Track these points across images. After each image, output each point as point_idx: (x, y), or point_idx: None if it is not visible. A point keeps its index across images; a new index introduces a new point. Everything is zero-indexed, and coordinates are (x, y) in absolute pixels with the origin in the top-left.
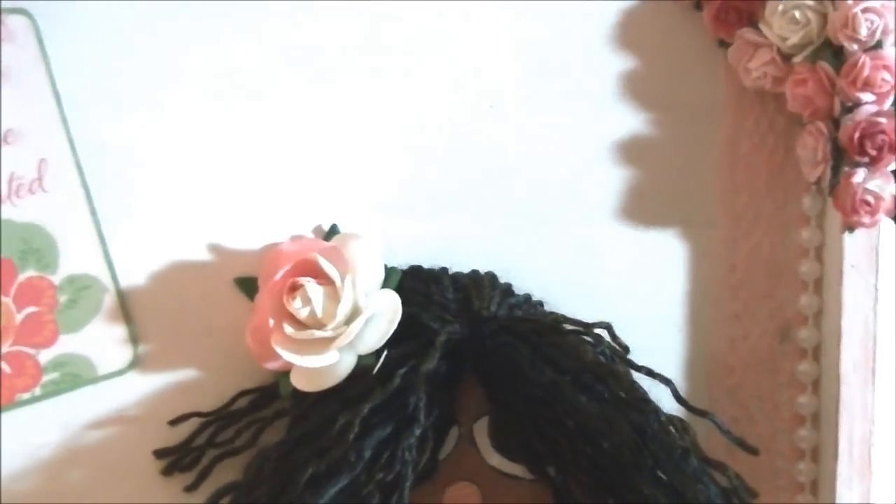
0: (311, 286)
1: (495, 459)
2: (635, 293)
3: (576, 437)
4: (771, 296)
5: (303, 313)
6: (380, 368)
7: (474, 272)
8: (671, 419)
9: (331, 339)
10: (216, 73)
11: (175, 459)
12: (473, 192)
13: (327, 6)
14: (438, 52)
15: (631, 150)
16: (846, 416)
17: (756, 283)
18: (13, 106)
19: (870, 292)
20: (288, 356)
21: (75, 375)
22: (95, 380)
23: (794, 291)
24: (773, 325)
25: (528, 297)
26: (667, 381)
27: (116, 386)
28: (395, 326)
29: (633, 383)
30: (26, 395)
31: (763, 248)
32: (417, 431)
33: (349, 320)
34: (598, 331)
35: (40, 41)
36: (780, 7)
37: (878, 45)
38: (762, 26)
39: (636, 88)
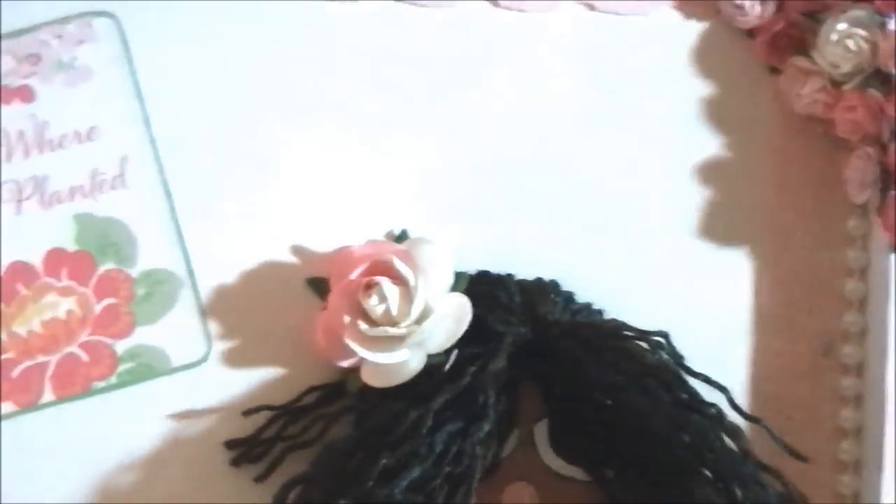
0: (386, 284)
1: (553, 461)
2: (687, 304)
3: (636, 439)
4: (815, 313)
5: (378, 311)
6: (450, 367)
7: (539, 279)
8: (730, 424)
9: (403, 337)
10: (295, 78)
11: (245, 451)
12: (540, 203)
13: (397, 17)
14: (510, 64)
15: (688, 168)
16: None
17: (801, 300)
18: (96, 104)
19: None
20: (361, 352)
21: (150, 366)
22: (169, 371)
23: (838, 309)
24: (816, 340)
25: (588, 305)
26: (722, 389)
27: (189, 378)
28: (464, 327)
29: (693, 388)
30: (102, 384)
31: (809, 266)
32: (486, 427)
33: (421, 320)
34: (655, 338)
35: (124, 42)
36: (834, 37)
37: None
38: (814, 54)
39: (691, 109)
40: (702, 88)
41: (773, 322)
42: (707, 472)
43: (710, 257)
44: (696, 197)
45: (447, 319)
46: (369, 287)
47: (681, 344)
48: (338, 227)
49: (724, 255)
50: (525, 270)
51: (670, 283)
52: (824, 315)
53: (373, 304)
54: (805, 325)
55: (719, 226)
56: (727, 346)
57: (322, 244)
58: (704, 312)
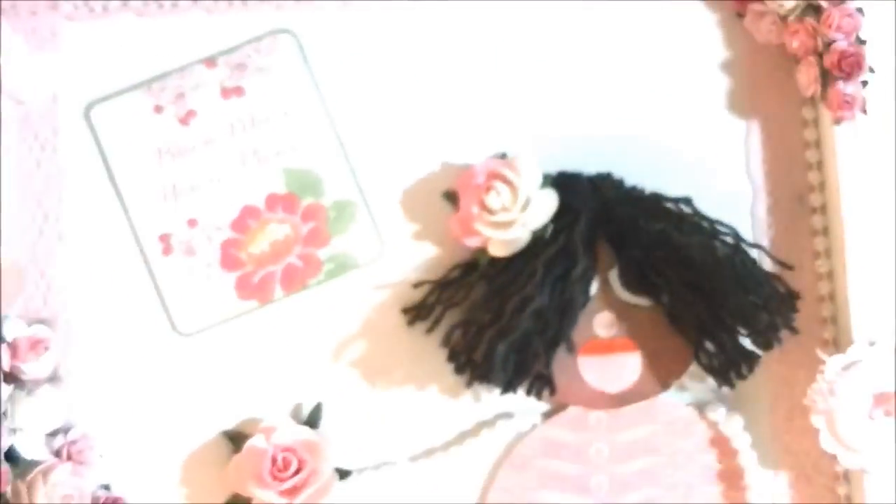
0: (500, 185)
1: (625, 294)
2: (701, 177)
3: (681, 268)
4: (790, 174)
5: (496, 204)
6: (548, 236)
7: (599, 173)
8: (742, 248)
9: (514, 220)
10: (432, 64)
11: (417, 313)
12: (592, 125)
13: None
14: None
15: (692, 83)
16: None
17: (779, 167)
18: (286, 94)
19: None
20: (488, 232)
21: (344, 265)
22: (357, 266)
23: (804, 170)
24: (792, 193)
25: (634, 186)
26: (730, 227)
27: (371, 270)
28: (553, 209)
29: (714, 223)
30: (313, 280)
31: (782, 143)
32: (580, 270)
33: (524, 207)
34: (682, 201)
35: (301, 49)
36: None
37: (843, 1)
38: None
39: (693, 43)
40: (695, 31)
41: (763, 183)
42: (732, 282)
43: (714, 146)
44: (701, 105)
45: (542, 205)
46: (489, 189)
47: (699, 204)
48: (460, 155)
49: (724, 142)
50: (588, 169)
51: (688, 167)
52: (796, 175)
53: (493, 199)
54: (784, 183)
55: (720, 124)
56: (733, 204)
57: (451, 164)
58: (713, 183)
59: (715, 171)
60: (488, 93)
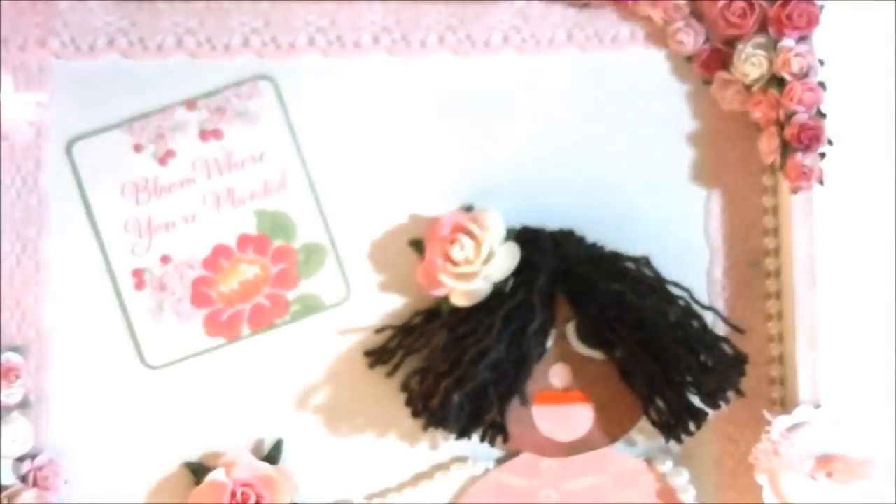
0: (464, 238)
1: (580, 348)
2: (660, 240)
3: (634, 326)
4: (747, 239)
5: (460, 256)
6: (509, 289)
7: (561, 229)
8: (693, 310)
9: (477, 273)
10: (398, 118)
11: (378, 357)
12: (557, 183)
13: (452, 70)
14: (529, 92)
15: (657, 148)
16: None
17: (737, 231)
18: (263, 138)
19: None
20: (451, 283)
21: (311, 307)
22: (324, 308)
23: (761, 235)
24: (748, 257)
25: (594, 244)
26: (686, 290)
27: (337, 313)
28: (515, 263)
29: (670, 284)
30: (279, 321)
31: (741, 209)
32: (536, 325)
33: (487, 260)
34: (641, 260)
35: (280, 95)
36: (744, 56)
37: (806, 75)
38: (732, 69)
39: (657, 110)
40: (662, 96)
41: (720, 246)
42: (682, 344)
43: (676, 208)
44: (665, 167)
45: (504, 258)
46: (453, 241)
47: (658, 265)
48: (428, 205)
49: (685, 204)
50: (552, 225)
51: (649, 227)
52: (752, 240)
53: (456, 252)
54: (741, 246)
55: (682, 186)
56: (690, 265)
57: (419, 214)
58: (673, 244)
59: (675, 232)
60: (458, 147)
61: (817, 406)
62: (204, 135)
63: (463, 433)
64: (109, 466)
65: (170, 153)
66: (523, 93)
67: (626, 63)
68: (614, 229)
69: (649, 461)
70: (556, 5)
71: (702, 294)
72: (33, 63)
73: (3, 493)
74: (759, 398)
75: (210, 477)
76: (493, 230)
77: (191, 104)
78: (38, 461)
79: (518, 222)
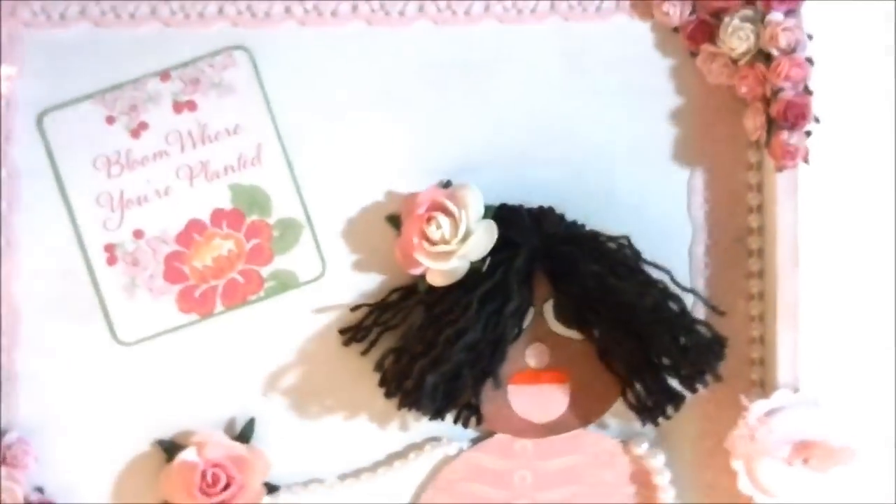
0: (441, 217)
1: (557, 327)
2: (643, 216)
3: (612, 307)
4: (731, 215)
5: (436, 235)
6: (486, 269)
7: (541, 207)
8: (674, 293)
9: (453, 252)
10: (378, 83)
11: (353, 335)
12: (538, 156)
13: (431, 36)
14: (510, 61)
15: (641, 122)
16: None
17: (722, 207)
18: (239, 110)
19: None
20: (427, 262)
21: (285, 283)
22: (299, 285)
23: (745, 212)
24: (732, 233)
25: (574, 221)
26: (667, 271)
27: (312, 289)
28: (493, 241)
29: (648, 272)
30: (254, 297)
31: (726, 184)
32: (513, 306)
33: (464, 239)
34: (621, 240)
35: (255, 65)
36: (731, 29)
37: (793, 50)
38: (719, 42)
39: (641, 82)
40: (647, 68)
41: (703, 223)
42: (661, 326)
43: (658, 184)
44: (649, 141)
45: (482, 237)
46: (430, 220)
47: (639, 243)
48: (405, 180)
49: (668, 179)
50: (532, 200)
51: (630, 204)
52: (737, 216)
53: (433, 231)
54: (725, 224)
55: (666, 160)
56: (672, 242)
57: (396, 190)
58: (656, 220)
59: (657, 208)
60: (437, 121)
61: (796, 390)
62: (178, 106)
63: (437, 415)
64: (81, 444)
65: (143, 125)
66: (504, 64)
67: (611, 34)
68: (596, 204)
69: (625, 442)
70: None
71: (683, 272)
72: (3, 33)
73: None
74: (739, 378)
75: (181, 456)
76: (471, 208)
77: (164, 75)
78: (7, 439)
79: (497, 197)
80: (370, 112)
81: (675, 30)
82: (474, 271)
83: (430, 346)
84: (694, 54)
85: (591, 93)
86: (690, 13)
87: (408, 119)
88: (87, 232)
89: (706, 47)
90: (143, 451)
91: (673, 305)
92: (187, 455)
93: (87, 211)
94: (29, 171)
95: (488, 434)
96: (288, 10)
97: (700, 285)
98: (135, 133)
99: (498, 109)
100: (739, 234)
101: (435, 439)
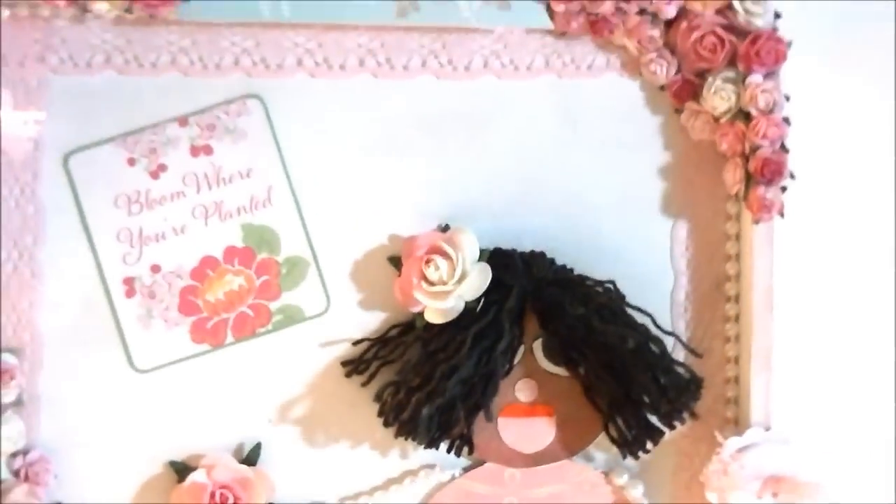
0: (439, 259)
1: (546, 364)
2: (629, 261)
3: (597, 347)
4: (711, 263)
5: (434, 276)
6: (480, 308)
7: (532, 251)
8: (655, 335)
9: (450, 291)
10: (380, 132)
11: (354, 367)
12: (532, 205)
13: (433, 90)
14: (509, 114)
15: (628, 174)
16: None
17: (701, 255)
18: (251, 154)
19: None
20: (425, 301)
21: (292, 317)
22: (304, 319)
23: (723, 260)
24: (711, 280)
25: (563, 266)
26: (648, 314)
27: (317, 323)
28: (487, 283)
29: (631, 315)
30: (262, 330)
31: (705, 234)
32: (504, 344)
33: (460, 280)
34: (606, 284)
35: (267, 113)
36: (713, 89)
37: (771, 111)
38: (702, 100)
39: (630, 137)
40: (635, 123)
41: (684, 270)
42: (642, 366)
43: (643, 232)
44: (635, 192)
45: (477, 279)
46: (429, 261)
47: (623, 287)
48: (406, 223)
49: (652, 228)
50: (524, 245)
51: (617, 250)
52: (716, 264)
53: (431, 271)
54: (704, 271)
55: (650, 210)
56: (655, 288)
57: (397, 232)
58: (641, 267)
59: (642, 255)
60: (436, 169)
61: (767, 428)
62: (194, 150)
63: (431, 444)
64: (98, 463)
65: (162, 167)
66: (501, 117)
67: (601, 90)
68: (585, 251)
69: (607, 473)
70: (535, 33)
71: (665, 315)
72: (32, 78)
73: None
74: (715, 416)
75: (191, 477)
76: (467, 251)
77: (182, 120)
78: (30, 457)
79: (491, 241)
80: (374, 158)
81: (662, 88)
82: (469, 310)
83: (426, 380)
84: (679, 111)
85: (581, 145)
86: (676, 72)
87: (409, 166)
88: (108, 265)
89: (690, 105)
90: (156, 471)
91: (654, 347)
92: (197, 476)
93: (108, 246)
94: (54, 208)
95: (479, 462)
96: (300, 62)
97: (681, 328)
98: (154, 174)
99: (494, 159)
100: (718, 281)
101: (429, 466)
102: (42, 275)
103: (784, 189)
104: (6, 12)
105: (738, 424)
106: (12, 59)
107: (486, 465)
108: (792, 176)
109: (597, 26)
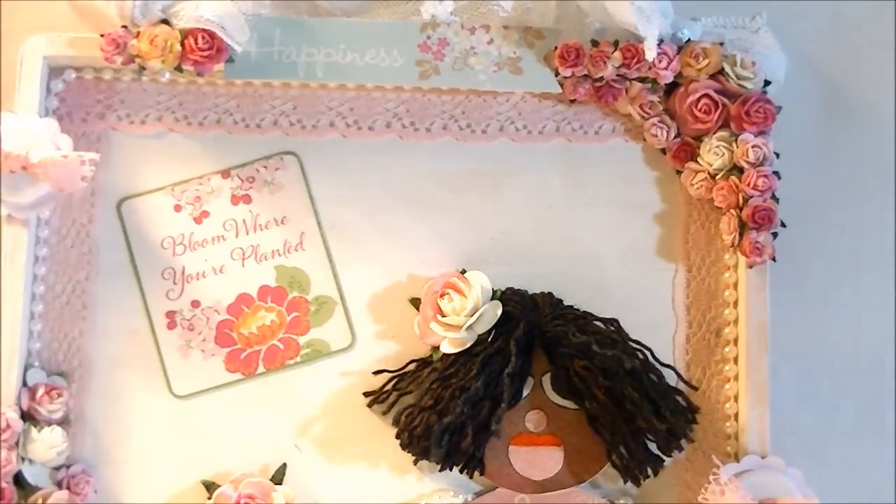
0: (453, 293)
1: (554, 397)
2: (633, 307)
3: (599, 375)
4: (710, 310)
5: (447, 308)
6: (491, 339)
7: (541, 292)
8: (652, 364)
9: (463, 325)
10: (403, 185)
11: (375, 397)
12: (539, 254)
13: (452, 151)
14: (520, 173)
15: (631, 229)
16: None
17: (701, 302)
18: (286, 204)
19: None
20: (440, 331)
21: (319, 351)
22: (330, 353)
23: (723, 307)
24: (711, 326)
25: (570, 306)
26: (648, 348)
27: (343, 357)
28: (497, 318)
29: (632, 340)
30: (291, 362)
31: (705, 283)
32: (510, 369)
33: (472, 314)
34: (610, 323)
35: (302, 168)
36: (709, 149)
37: (762, 164)
38: (699, 160)
39: (633, 196)
40: (638, 182)
41: (685, 316)
42: (641, 391)
43: (647, 280)
44: (639, 244)
45: (488, 314)
46: (443, 295)
47: (629, 329)
48: (426, 268)
49: (655, 277)
50: (532, 288)
51: (622, 297)
52: (715, 311)
53: (444, 303)
54: (704, 317)
55: (653, 261)
56: (658, 332)
57: (421, 274)
58: (644, 312)
59: (646, 302)
60: (455, 220)
61: (763, 456)
62: (235, 199)
63: (445, 463)
64: (135, 479)
65: (205, 214)
66: (515, 175)
67: (607, 153)
68: (590, 297)
69: (612, 501)
70: (547, 101)
71: (667, 357)
72: (93, 133)
73: (38, 493)
74: (717, 451)
75: (219, 491)
76: (479, 288)
77: (225, 173)
78: (73, 470)
79: (504, 286)
80: (398, 210)
81: (663, 150)
82: (480, 341)
83: (438, 401)
84: (678, 171)
85: (589, 202)
86: (675, 136)
87: (430, 217)
88: (152, 300)
89: (689, 165)
90: (188, 487)
91: (652, 376)
92: (225, 489)
93: (154, 283)
94: (107, 248)
95: (491, 487)
96: (332, 123)
97: (682, 369)
98: (198, 220)
99: (507, 213)
100: (718, 326)
101: (443, 490)
102: (93, 307)
103: (775, 235)
104: (73, 74)
105: (737, 459)
106: (77, 116)
107: (497, 489)
108: (783, 224)
109: (602, 94)
